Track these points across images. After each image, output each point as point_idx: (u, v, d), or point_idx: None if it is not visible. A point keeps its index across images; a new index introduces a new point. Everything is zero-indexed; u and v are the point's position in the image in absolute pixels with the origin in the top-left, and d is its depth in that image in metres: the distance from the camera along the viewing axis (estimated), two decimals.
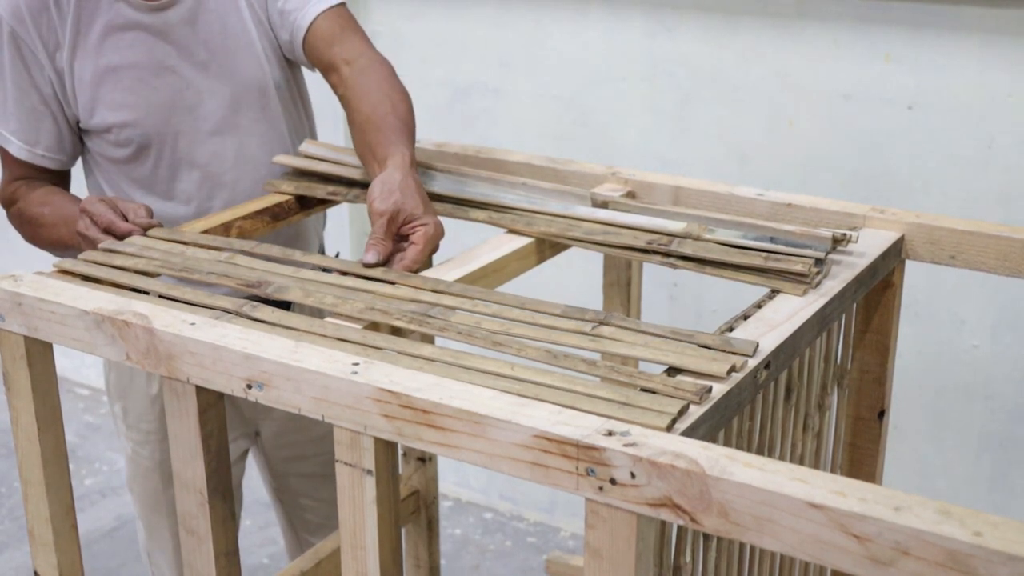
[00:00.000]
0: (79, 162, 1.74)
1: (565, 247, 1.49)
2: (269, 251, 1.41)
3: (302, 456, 1.90)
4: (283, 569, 1.86)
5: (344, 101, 1.59)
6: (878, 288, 1.47)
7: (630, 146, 2.41)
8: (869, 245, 1.41)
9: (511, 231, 1.49)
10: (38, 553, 1.36)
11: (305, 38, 1.63)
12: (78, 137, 1.68)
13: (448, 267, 1.38)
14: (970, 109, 2.06)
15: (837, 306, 1.29)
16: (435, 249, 1.39)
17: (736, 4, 2.23)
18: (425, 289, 1.27)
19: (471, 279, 1.36)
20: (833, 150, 2.21)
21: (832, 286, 1.29)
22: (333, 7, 1.64)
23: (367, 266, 1.33)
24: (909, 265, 1.50)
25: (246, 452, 1.90)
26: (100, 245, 1.42)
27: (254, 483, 2.44)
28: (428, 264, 1.51)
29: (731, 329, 1.19)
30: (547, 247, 1.49)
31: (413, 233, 1.36)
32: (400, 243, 1.37)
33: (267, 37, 1.67)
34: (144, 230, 1.47)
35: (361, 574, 1.13)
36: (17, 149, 1.64)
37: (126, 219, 1.47)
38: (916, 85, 2.10)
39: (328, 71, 1.63)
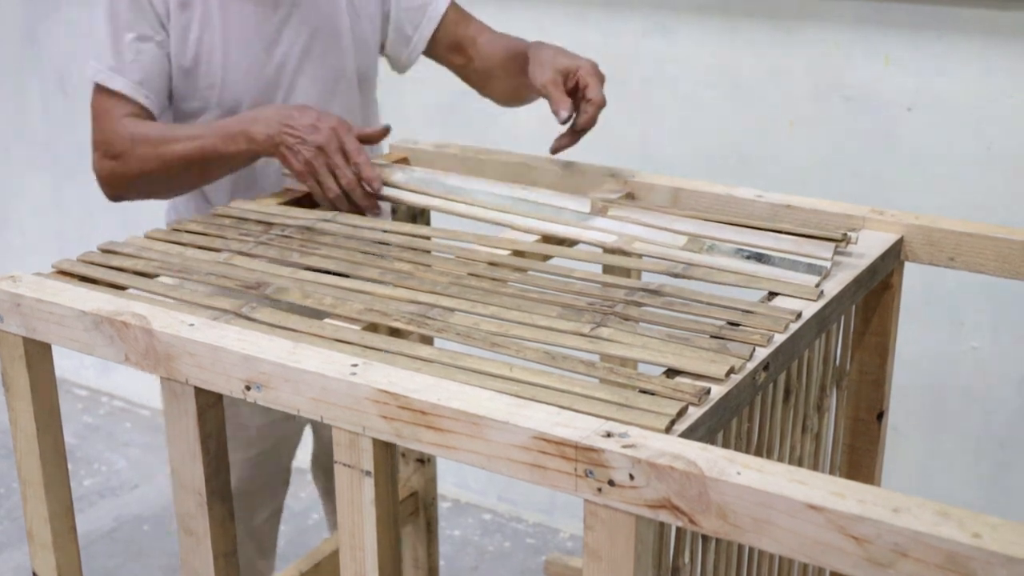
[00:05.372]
0: None
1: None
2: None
3: None
4: (283, 570, 1.86)
5: (477, 72, 1.83)
6: (877, 289, 1.47)
7: (629, 147, 2.41)
8: (868, 246, 1.41)
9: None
10: (37, 554, 1.36)
11: (439, 26, 1.81)
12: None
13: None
14: (970, 111, 2.06)
15: (836, 308, 1.29)
16: (603, 77, 1.57)
17: (736, 4, 2.23)
18: (427, 291, 1.27)
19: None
20: (833, 151, 2.21)
21: (831, 288, 1.29)
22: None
23: (563, 122, 1.52)
24: (908, 266, 1.50)
25: (304, 425, 1.91)
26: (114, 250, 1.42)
27: None
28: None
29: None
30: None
31: (580, 79, 1.55)
32: (575, 95, 1.56)
33: (364, 28, 1.76)
34: (375, 191, 1.55)
35: (360, 575, 1.13)
36: (145, 100, 1.63)
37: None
38: (916, 87, 2.10)
39: (457, 50, 1.83)
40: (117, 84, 1.62)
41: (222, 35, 1.64)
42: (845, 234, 1.37)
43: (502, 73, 1.78)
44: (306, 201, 1.63)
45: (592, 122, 1.55)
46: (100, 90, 1.64)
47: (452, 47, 1.83)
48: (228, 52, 1.65)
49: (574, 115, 1.54)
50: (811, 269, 1.31)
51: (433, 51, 1.84)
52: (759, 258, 1.34)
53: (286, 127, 1.52)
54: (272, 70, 1.68)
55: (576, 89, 1.55)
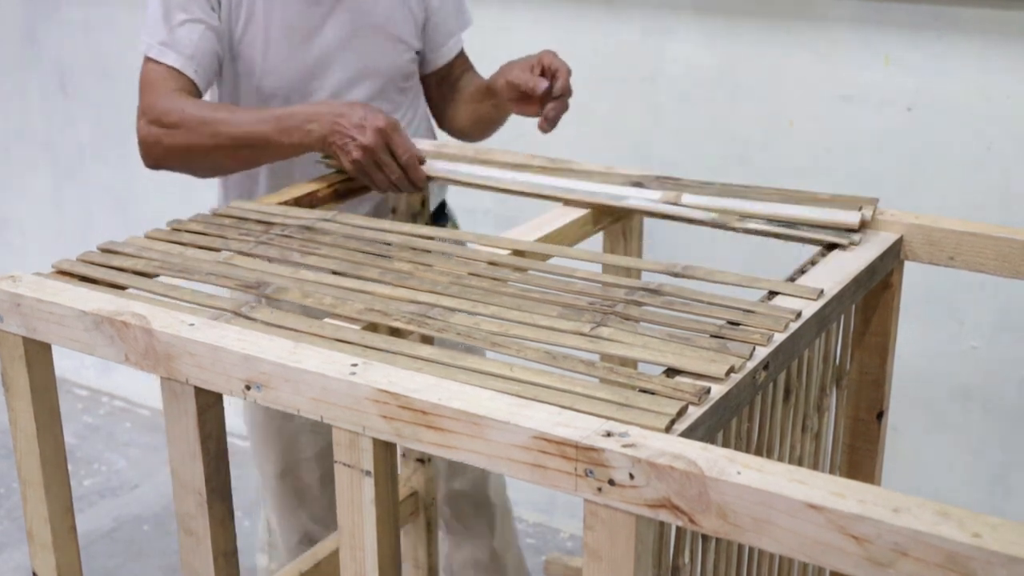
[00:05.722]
0: None
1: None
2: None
3: None
4: (282, 569, 1.86)
5: (436, 99, 1.92)
6: (877, 289, 1.47)
7: (630, 147, 2.41)
8: (868, 246, 1.41)
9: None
10: (37, 554, 1.36)
11: (450, 60, 1.91)
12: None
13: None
14: (969, 110, 2.06)
15: (836, 307, 1.29)
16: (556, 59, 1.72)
17: (736, 4, 2.23)
18: (426, 293, 1.27)
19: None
20: (833, 151, 2.21)
21: (831, 287, 1.29)
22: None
23: (543, 92, 1.67)
24: (908, 266, 1.50)
25: None
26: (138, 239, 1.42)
27: (248, 484, 2.43)
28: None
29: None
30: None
31: (543, 62, 1.69)
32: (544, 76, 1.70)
33: (407, 28, 1.81)
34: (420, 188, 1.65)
35: (359, 575, 1.13)
36: (194, 75, 1.67)
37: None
38: (915, 87, 2.10)
39: (436, 75, 1.92)
40: (168, 58, 1.66)
41: (265, 24, 1.69)
42: (861, 207, 1.43)
43: (462, 101, 1.89)
44: (305, 201, 1.63)
45: (568, 85, 1.68)
46: (150, 62, 1.68)
47: (439, 75, 1.92)
48: (269, 41, 1.69)
49: (551, 85, 1.68)
50: (839, 235, 1.39)
51: (433, 74, 1.93)
52: (789, 226, 1.42)
53: (336, 127, 1.57)
54: (310, 62, 1.72)
55: (543, 73, 1.69)
